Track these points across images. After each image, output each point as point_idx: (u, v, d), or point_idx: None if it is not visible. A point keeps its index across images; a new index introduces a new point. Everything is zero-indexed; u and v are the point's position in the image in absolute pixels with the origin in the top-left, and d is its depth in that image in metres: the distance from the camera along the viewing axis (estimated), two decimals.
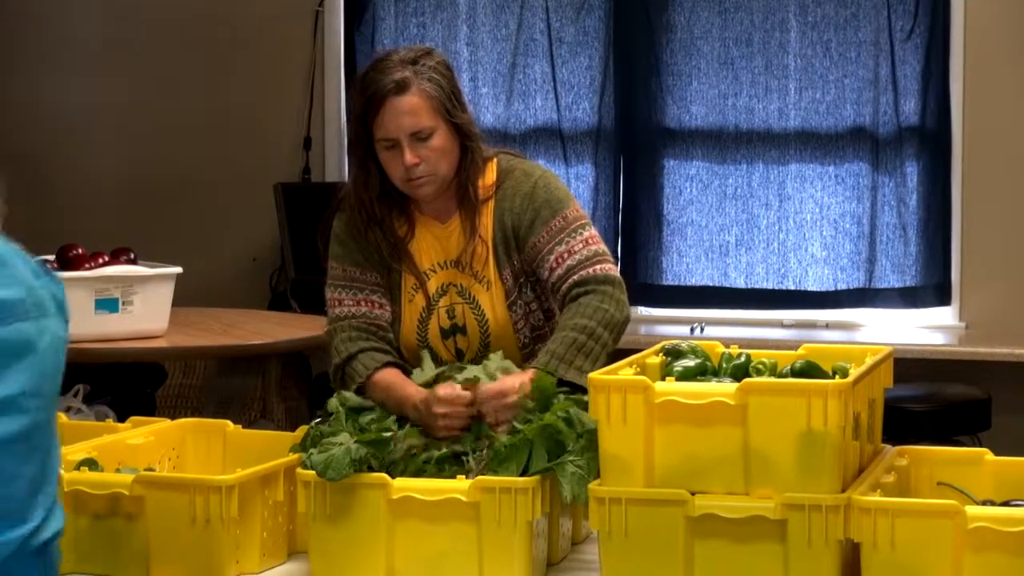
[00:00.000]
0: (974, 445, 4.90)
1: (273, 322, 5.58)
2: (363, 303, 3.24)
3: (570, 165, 6.71)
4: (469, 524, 2.74)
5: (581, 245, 3.19)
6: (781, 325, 6.57)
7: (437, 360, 3.20)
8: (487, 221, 3.24)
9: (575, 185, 6.65)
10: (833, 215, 6.51)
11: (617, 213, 6.72)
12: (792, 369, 2.71)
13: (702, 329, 6.25)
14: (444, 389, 3.00)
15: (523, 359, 3.22)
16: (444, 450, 2.94)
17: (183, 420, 3.30)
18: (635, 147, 6.69)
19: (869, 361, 2.81)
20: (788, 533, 2.53)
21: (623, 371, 2.71)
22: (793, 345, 3.02)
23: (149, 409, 5.64)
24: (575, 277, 3.16)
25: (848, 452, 2.60)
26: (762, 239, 6.58)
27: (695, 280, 6.64)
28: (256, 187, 6.86)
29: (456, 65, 3.27)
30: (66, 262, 4.88)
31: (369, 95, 3.14)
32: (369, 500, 2.78)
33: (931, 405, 5.63)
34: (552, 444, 2.82)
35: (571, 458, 2.79)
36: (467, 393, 2.99)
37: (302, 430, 3.05)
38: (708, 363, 2.78)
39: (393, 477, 2.80)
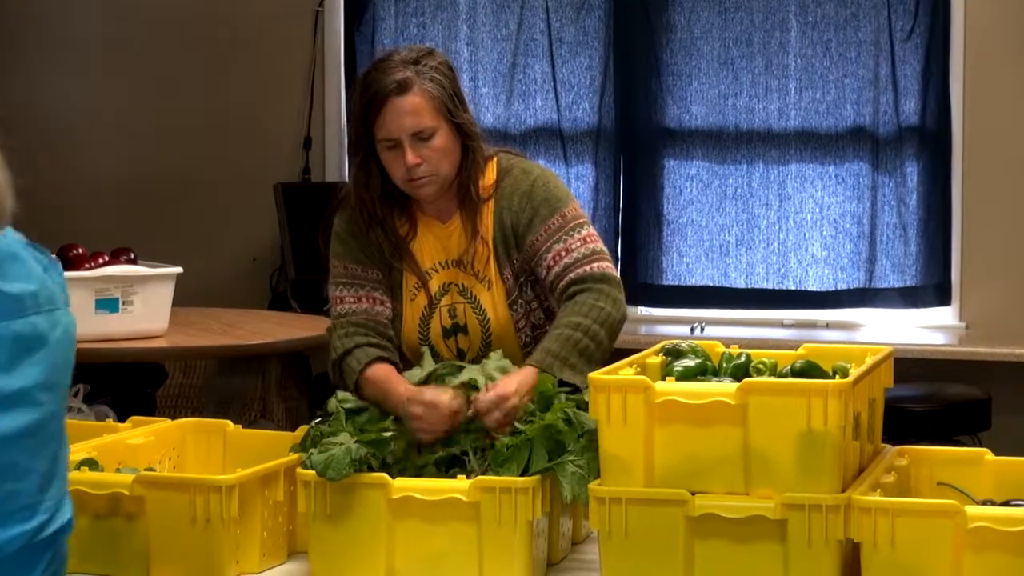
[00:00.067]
0: (974, 445, 4.90)
1: (273, 322, 5.58)
2: (364, 299, 3.24)
3: (570, 165, 6.71)
4: (469, 524, 2.74)
5: (579, 243, 3.19)
6: (781, 325, 6.57)
7: (438, 359, 3.20)
8: (487, 220, 3.24)
9: (575, 185, 6.65)
10: (833, 215, 6.51)
11: (617, 213, 6.72)
12: (792, 369, 2.71)
13: (702, 329, 6.25)
14: (429, 393, 2.98)
15: (524, 358, 3.21)
16: (440, 452, 2.93)
17: (183, 420, 3.30)
18: (635, 147, 6.69)
19: (869, 361, 2.81)
20: (788, 533, 2.53)
21: (623, 371, 2.71)
22: (793, 345, 3.02)
23: (149, 409, 5.65)
24: (572, 275, 3.16)
25: (848, 452, 2.60)
26: (762, 239, 6.58)
27: (695, 280, 6.64)
28: (256, 187, 6.86)
29: (456, 65, 3.27)
30: (66, 262, 4.88)
31: (371, 95, 3.15)
32: (369, 500, 2.78)
33: (931, 405, 5.63)
34: (552, 444, 2.82)
35: (571, 458, 2.79)
36: (451, 403, 2.95)
37: (302, 430, 3.05)
38: (708, 363, 2.78)
39: (393, 477, 2.81)
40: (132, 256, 5.12)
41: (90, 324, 4.78)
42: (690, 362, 2.76)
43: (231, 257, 7.06)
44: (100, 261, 5.01)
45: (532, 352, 3.13)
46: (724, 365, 2.77)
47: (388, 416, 3.01)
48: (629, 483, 2.59)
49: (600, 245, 3.22)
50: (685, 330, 6.22)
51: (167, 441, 3.18)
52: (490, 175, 3.27)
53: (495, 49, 6.78)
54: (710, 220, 6.61)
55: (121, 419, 3.47)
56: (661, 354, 2.83)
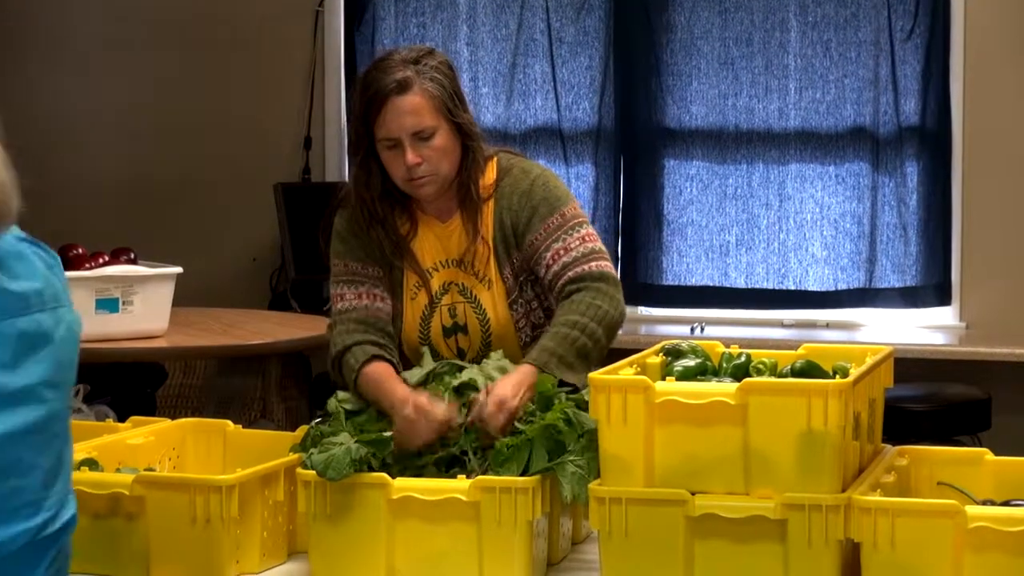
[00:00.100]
0: (974, 445, 4.90)
1: (273, 322, 5.58)
2: (364, 296, 3.24)
3: (570, 165, 6.71)
4: (469, 524, 2.74)
5: (577, 242, 3.19)
6: (781, 325, 6.57)
7: (438, 358, 3.20)
8: (488, 220, 3.24)
9: (575, 185, 6.65)
10: (833, 215, 6.51)
11: (617, 213, 6.72)
12: (792, 369, 2.71)
13: (702, 329, 6.25)
14: (427, 400, 2.95)
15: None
16: (440, 452, 2.93)
17: (183, 420, 3.30)
18: (635, 147, 6.69)
19: (869, 361, 2.81)
20: (788, 533, 2.53)
21: (623, 371, 2.71)
22: (793, 345, 3.02)
23: (149, 409, 5.65)
24: (570, 274, 3.16)
25: (848, 452, 2.60)
26: (762, 239, 6.58)
27: (695, 280, 6.64)
28: (256, 187, 6.86)
29: (456, 65, 3.27)
30: (66, 262, 4.86)
31: (371, 94, 3.14)
32: (369, 500, 2.78)
33: (931, 405, 5.63)
34: (552, 444, 2.82)
35: (571, 458, 2.79)
36: (445, 413, 2.93)
37: (302, 430, 3.05)
38: (708, 363, 2.78)
39: (393, 477, 2.81)
40: (132, 256, 5.12)
41: (90, 324, 4.74)
42: (690, 362, 2.76)
43: (231, 257, 7.06)
44: (100, 261, 5.01)
45: (530, 350, 3.13)
46: (724, 365, 2.77)
47: (388, 416, 3.01)
48: (629, 483, 2.59)
49: (599, 244, 3.22)
50: (685, 330, 6.22)
51: (167, 441, 3.18)
52: (490, 175, 3.27)
53: (495, 49, 6.78)
54: (710, 220, 6.61)
55: (121, 419, 3.47)
56: (661, 354, 2.83)
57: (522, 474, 2.78)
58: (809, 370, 2.69)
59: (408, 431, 2.92)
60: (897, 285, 6.46)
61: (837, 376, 2.67)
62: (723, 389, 2.57)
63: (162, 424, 3.25)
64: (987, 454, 2.88)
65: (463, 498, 2.74)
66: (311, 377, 5.66)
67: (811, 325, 6.53)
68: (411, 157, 3.14)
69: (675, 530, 2.57)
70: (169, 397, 5.99)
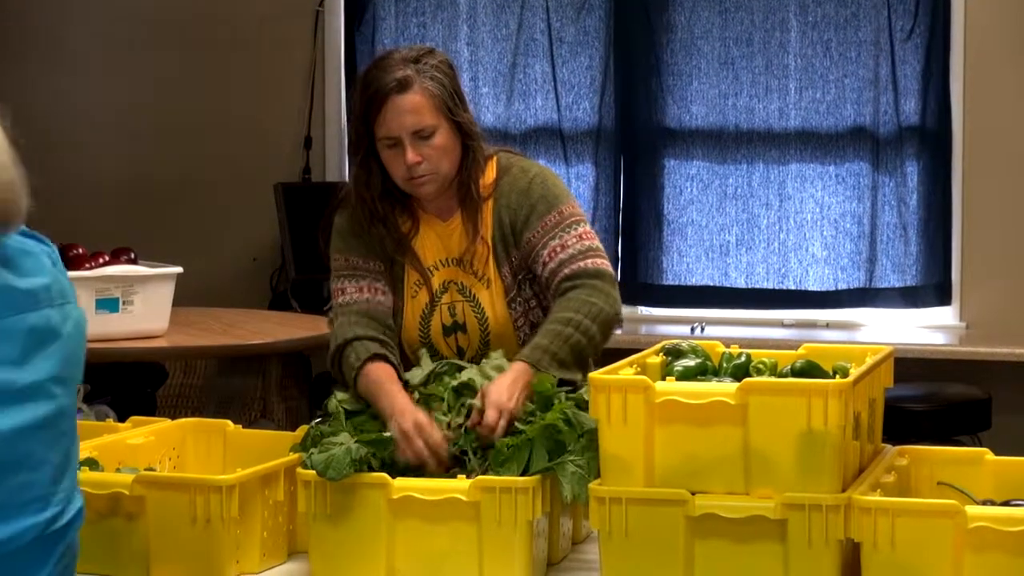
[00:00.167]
0: (974, 445, 4.90)
1: (273, 322, 5.58)
2: (365, 290, 3.23)
3: (570, 165, 6.71)
4: (469, 524, 2.74)
5: (574, 240, 3.19)
6: (781, 325, 6.57)
7: (437, 357, 3.20)
8: (487, 219, 3.24)
9: (575, 185, 6.65)
10: (833, 215, 6.51)
11: (617, 213, 6.72)
12: (792, 369, 2.71)
13: (702, 329, 6.25)
14: (425, 423, 2.92)
15: None
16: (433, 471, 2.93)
17: (183, 420, 3.30)
18: (635, 147, 6.69)
19: (869, 361, 2.81)
20: (788, 533, 2.53)
21: (623, 371, 2.71)
22: (793, 345, 3.02)
23: (149, 409, 5.65)
24: (566, 271, 3.16)
25: (848, 452, 2.60)
26: (762, 239, 6.58)
27: (695, 280, 6.64)
28: (256, 187, 6.86)
29: (456, 65, 3.27)
30: (66, 262, 4.82)
31: (371, 93, 3.14)
32: (369, 500, 2.78)
33: (931, 405, 5.63)
34: (552, 444, 2.82)
35: (571, 458, 2.79)
36: (438, 441, 2.90)
37: (302, 430, 3.05)
38: (708, 363, 2.78)
39: (393, 477, 2.80)
40: (132, 256, 5.12)
41: (90, 324, 4.69)
42: (690, 362, 2.76)
43: (231, 257, 7.06)
44: (100, 261, 5.01)
45: (524, 348, 3.12)
46: (724, 365, 2.77)
47: None
48: (629, 483, 2.59)
49: (596, 242, 3.22)
50: (685, 330, 6.22)
51: (167, 441, 3.18)
52: (490, 174, 3.27)
53: (495, 49, 6.78)
54: (710, 220, 6.61)
55: (121, 419, 3.47)
56: (661, 354, 2.83)
57: (522, 474, 2.78)
58: (809, 370, 2.69)
59: (402, 444, 2.91)
60: (897, 285, 6.46)
61: (837, 376, 2.67)
62: (723, 389, 2.57)
63: (162, 424, 3.25)
64: (987, 454, 2.88)
65: (463, 498, 2.74)
66: (311, 377, 5.66)
67: (811, 325, 6.53)
68: (411, 156, 3.14)
69: (675, 530, 2.57)
70: (169, 397, 5.99)
